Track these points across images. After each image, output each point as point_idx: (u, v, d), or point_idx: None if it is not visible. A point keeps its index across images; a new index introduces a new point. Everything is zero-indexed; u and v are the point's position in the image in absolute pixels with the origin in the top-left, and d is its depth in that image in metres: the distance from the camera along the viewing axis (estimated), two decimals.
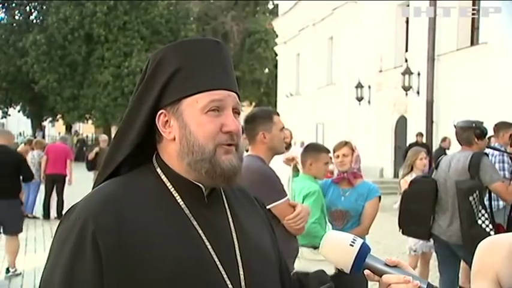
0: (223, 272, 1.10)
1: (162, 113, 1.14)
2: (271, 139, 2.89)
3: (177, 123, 1.13)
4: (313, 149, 3.71)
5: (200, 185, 1.15)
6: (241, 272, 1.13)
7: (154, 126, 1.15)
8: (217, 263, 1.10)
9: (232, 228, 1.18)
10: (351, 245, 1.08)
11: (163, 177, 1.15)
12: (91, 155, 11.66)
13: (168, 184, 1.15)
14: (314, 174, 3.64)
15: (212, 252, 1.11)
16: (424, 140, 13.54)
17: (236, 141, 1.15)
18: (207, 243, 1.11)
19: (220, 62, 1.16)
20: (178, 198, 1.13)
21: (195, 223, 1.12)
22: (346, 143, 3.88)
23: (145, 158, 1.19)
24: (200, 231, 1.12)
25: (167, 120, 1.14)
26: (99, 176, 1.21)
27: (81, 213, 1.07)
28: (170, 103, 1.13)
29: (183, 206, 1.13)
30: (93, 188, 1.19)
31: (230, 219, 1.19)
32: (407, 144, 13.74)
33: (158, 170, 1.16)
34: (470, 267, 4.15)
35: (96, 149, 11.71)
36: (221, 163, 1.12)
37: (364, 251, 1.08)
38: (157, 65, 1.15)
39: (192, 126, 1.11)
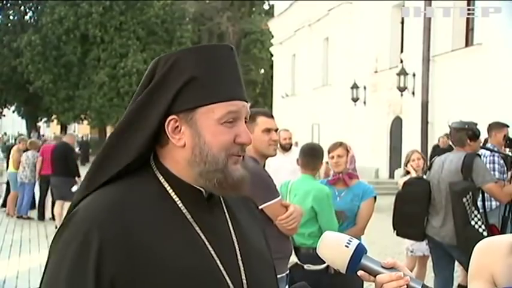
0: (227, 278, 1.10)
1: (173, 118, 1.10)
2: (253, 140, 2.87)
3: (190, 131, 1.10)
4: (320, 150, 3.73)
5: (201, 188, 1.13)
6: (243, 277, 1.13)
7: (162, 130, 1.10)
8: (222, 270, 1.10)
9: (232, 231, 1.17)
10: (346, 246, 1.10)
11: (163, 181, 1.12)
12: None
13: (168, 188, 1.12)
14: (317, 173, 3.67)
15: (216, 259, 1.10)
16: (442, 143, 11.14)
17: (245, 151, 1.15)
18: (211, 250, 1.10)
19: (233, 70, 1.14)
20: (179, 202, 1.11)
21: (197, 229, 1.10)
22: (340, 144, 3.88)
23: (136, 159, 1.14)
24: (203, 237, 1.10)
25: (177, 126, 1.10)
26: (91, 179, 1.13)
27: (84, 221, 1.03)
28: (183, 110, 1.09)
29: (185, 211, 1.11)
30: (79, 189, 1.14)
31: (229, 222, 1.18)
32: (432, 147, 12.41)
33: (158, 173, 1.13)
34: (464, 267, 4.12)
35: None
36: (232, 173, 1.11)
37: (359, 252, 1.10)
38: (170, 70, 1.10)
39: (207, 137, 1.09)
